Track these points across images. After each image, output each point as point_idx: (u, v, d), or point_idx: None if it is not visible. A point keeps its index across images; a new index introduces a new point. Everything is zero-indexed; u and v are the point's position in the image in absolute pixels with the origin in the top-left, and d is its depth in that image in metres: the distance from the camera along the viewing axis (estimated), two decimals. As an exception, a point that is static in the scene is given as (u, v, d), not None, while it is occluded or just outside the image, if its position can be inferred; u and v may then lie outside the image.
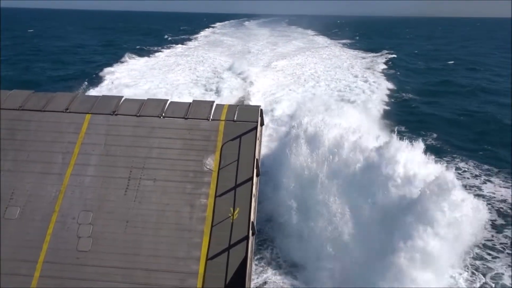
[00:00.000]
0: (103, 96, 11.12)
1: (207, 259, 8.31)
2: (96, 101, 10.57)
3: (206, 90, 36.96)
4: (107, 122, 10.08)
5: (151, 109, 10.34)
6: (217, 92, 35.71)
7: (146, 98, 10.86)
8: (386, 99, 36.47)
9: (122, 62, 50.78)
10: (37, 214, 8.82)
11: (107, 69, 44.85)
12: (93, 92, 33.17)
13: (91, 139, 9.80)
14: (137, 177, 9.27)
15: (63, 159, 9.50)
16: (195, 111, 10.31)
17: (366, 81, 41.44)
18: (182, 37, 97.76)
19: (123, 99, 10.69)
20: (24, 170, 9.34)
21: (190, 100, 10.87)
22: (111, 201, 8.98)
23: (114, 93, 29.64)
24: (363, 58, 63.31)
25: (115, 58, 53.48)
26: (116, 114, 10.22)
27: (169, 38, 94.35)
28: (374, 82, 41.57)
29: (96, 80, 39.87)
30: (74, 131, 9.91)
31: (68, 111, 10.26)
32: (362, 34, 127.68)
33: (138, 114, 10.20)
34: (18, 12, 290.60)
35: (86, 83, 38.50)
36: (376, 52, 69.49)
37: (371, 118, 28.13)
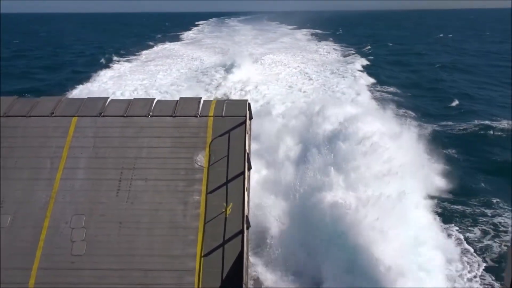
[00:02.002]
0: (89, 98, 11.00)
1: (202, 256, 8.29)
2: (82, 104, 10.45)
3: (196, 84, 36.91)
4: (94, 124, 9.98)
5: (138, 109, 10.26)
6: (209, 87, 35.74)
7: (132, 98, 10.79)
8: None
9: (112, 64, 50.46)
10: (28, 221, 8.71)
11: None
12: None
13: (79, 142, 9.69)
14: (128, 177, 9.20)
15: (51, 164, 9.39)
16: (182, 108, 10.26)
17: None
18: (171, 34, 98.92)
19: (109, 100, 10.59)
20: (12, 177, 9.21)
21: (177, 98, 10.84)
22: (103, 203, 8.90)
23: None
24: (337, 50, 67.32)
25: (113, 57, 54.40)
26: (103, 116, 10.12)
27: (158, 36, 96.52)
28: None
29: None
30: (61, 135, 9.79)
31: (53, 115, 10.13)
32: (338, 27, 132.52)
33: (125, 115, 10.11)
34: (13, 18, 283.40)
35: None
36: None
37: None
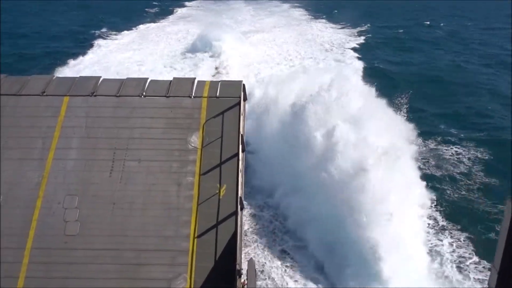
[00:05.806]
0: (80, 77, 10.82)
1: (195, 237, 8.33)
2: (74, 83, 10.29)
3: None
4: (86, 104, 9.85)
5: (131, 89, 10.12)
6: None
7: (125, 78, 10.64)
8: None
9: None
10: (20, 201, 8.66)
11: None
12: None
13: (71, 122, 9.58)
14: (121, 158, 9.15)
15: (43, 144, 9.29)
16: (176, 89, 10.14)
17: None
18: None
19: (101, 79, 10.42)
20: (2, 157, 9.10)
21: (171, 78, 10.70)
22: (96, 184, 8.86)
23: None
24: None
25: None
26: (95, 95, 9.98)
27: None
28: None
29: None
30: (52, 115, 9.66)
31: (44, 94, 9.97)
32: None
33: (118, 94, 9.98)
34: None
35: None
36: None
37: None
